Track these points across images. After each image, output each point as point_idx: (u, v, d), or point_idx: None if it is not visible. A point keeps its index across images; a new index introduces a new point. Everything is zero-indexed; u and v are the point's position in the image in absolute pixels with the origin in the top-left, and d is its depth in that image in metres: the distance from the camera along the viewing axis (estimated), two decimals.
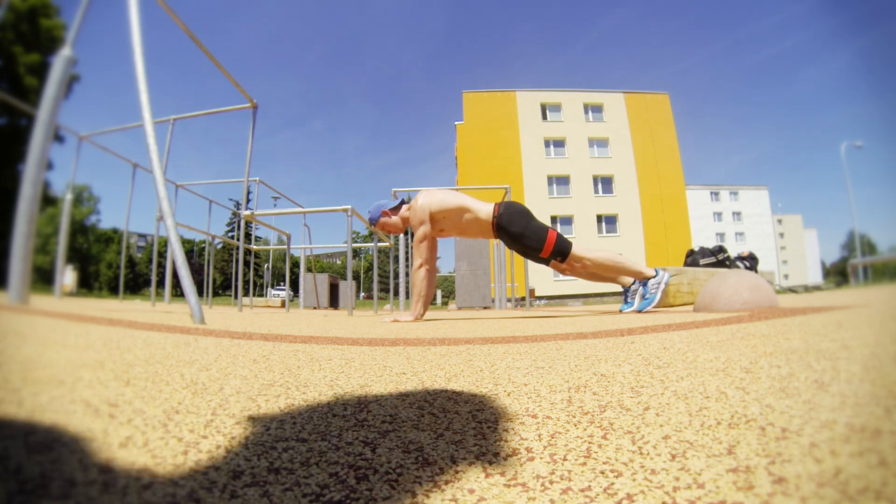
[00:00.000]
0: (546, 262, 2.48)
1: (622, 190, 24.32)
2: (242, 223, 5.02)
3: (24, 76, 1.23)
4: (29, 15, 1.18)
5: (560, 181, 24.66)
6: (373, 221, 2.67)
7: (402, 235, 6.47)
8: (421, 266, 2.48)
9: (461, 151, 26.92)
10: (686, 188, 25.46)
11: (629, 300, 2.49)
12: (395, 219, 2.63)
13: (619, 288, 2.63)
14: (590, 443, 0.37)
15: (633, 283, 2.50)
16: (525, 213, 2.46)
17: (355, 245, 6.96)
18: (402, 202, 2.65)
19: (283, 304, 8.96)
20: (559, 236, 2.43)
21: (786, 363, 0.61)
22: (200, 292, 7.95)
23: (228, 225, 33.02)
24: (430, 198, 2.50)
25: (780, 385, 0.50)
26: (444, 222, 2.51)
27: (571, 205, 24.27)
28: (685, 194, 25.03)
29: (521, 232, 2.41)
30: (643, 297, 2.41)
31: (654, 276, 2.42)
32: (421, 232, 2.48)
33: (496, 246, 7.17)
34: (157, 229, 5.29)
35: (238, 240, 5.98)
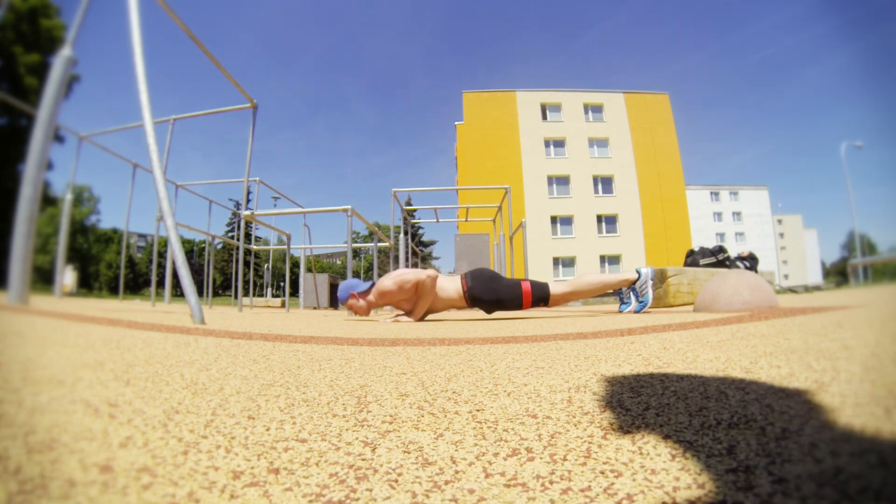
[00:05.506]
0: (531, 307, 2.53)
1: (622, 190, 24.32)
2: (242, 223, 5.02)
3: (24, 76, 1.23)
4: (29, 15, 1.18)
5: (560, 181, 24.66)
6: (340, 301, 2.62)
7: (402, 235, 6.48)
8: (416, 275, 2.41)
9: (461, 151, 26.93)
10: (686, 188, 25.45)
11: (626, 301, 2.56)
12: (361, 302, 2.55)
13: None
14: (590, 443, 0.37)
15: (622, 288, 2.57)
16: (493, 277, 2.46)
17: (355, 245, 6.96)
18: (372, 285, 2.57)
19: (282, 305, 8.96)
20: (533, 285, 2.45)
21: (786, 363, 0.61)
22: (200, 292, 7.95)
23: (228, 225, 33.03)
24: (393, 277, 2.49)
25: (780, 385, 0.50)
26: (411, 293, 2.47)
27: (571, 205, 24.27)
28: (685, 194, 25.03)
29: (496, 298, 2.43)
30: (638, 300, 2.48)
31: (637, 279, 2.48)
32: (388, 287, 2.39)
33: (496, 246, 7.16)
34: (157, 229, 5.29)
35: (238, 240, 5.98)
